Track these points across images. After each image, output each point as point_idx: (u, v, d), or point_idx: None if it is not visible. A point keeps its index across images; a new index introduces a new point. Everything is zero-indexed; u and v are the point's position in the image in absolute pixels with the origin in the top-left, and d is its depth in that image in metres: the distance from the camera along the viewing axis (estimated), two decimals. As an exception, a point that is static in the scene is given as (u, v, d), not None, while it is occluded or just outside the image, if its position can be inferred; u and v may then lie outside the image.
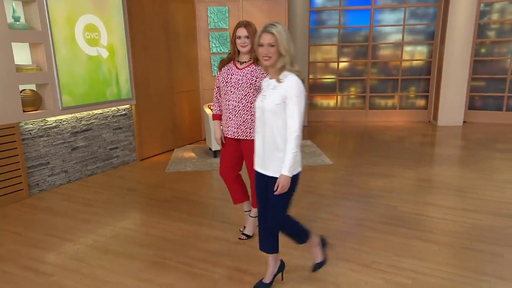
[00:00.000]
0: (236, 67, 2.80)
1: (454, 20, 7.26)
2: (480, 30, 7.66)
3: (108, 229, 3.30)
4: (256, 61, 2.76)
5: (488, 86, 7.84)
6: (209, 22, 6.33)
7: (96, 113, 4.82)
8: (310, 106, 8.44)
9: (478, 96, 7.94)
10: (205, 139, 6.66)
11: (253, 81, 2.75)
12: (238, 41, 2.73)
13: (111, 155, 5.06)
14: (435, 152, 5.77)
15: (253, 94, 2.77)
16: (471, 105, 7.96)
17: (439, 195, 3.88)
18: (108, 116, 4.98)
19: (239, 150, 2.94)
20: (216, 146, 5.35)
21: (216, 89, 2.98)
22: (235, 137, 2.85)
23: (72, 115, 4.50)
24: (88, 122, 4.73)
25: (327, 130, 7.60)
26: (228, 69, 2.83)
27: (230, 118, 2.82)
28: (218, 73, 2.91)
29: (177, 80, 6.10)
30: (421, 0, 7.90)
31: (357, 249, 2.80)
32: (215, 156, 5.47)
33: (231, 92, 2.78)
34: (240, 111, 2.79)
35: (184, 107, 6.29)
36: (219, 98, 2.98)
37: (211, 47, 6.41)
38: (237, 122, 2.81)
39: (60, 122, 4.38)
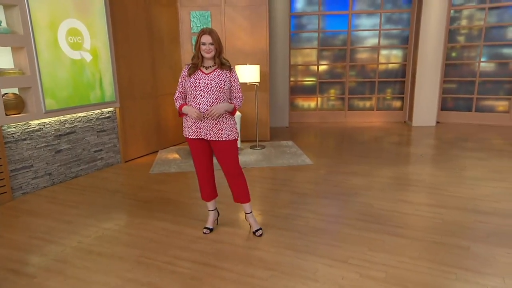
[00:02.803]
0: (203, 72, 2.85)
1: (427, 25, 7.43)
2: (451, 35, 7.85)
3: (92, 231, 3.27)
4: (220, 66, 2.83)
5: (458, 88, 8.04)
6: (192, 26, 6.32)
7: (80, 116, 4.76)
8: (291, 108, 8.50)
9: (449, 98, 8.13)
10: (189, 140, 6.65)
11: (221, 85, 2.83)
12: (202, 47, 2.79)
13: (95, 157, 5.01)
14: (409, 152, 5.89)
15: (223, 97, 2.85)
16: (443, 106, 8.15)
17: (412, 192, 3.97)
18: (92, 119, 4.92)
19: (210, 152, 3.04)
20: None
21: (178, 91, 2.96)
22: (208, 139, 2.91)
23: (56, 118, 4.43)
24: (72, 125, 4.66)
25: (308, 131, 7.66)
26: (194, 75, 2.86)
27: (201, 120, 2.85)
28: (183, 77, 2.91)
29: (161, 82, 6.07)
30: (395, 6, 8.05)
31: (334, 245, 2.84)
32: (198, 157, 5.46)
33: (201, 96, 2.82)
34: None
35: (168, 109, 6.26)
36: (179, 98, 2.95)
37: (193, 50, 6.38)
38: (209, 124, 2.86)
39: (44, 125, 4.31)
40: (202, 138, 2.93)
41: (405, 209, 3.51)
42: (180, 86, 2.98)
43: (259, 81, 5.89)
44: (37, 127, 4.24)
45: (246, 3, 6.28)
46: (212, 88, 2.82)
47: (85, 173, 4.88)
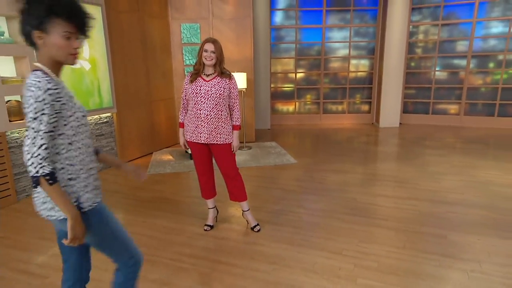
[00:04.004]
0: (203, 79, 2.76)
1: (390, 39, 7.55)
2: (410, 47, 8.01)
3: (98, 230, 3.10)
4: (221, 74, 2.74)
5: (417, 94, 8.22)
6: (182, 37, 6.15)
7: (80, 121, 4.53)
8: (272, 111, 8.45)
9: (410, 102, 8.30)
10: (180, 142, 6.49)
11: (221, 92, 2.75)
12: (204, 54, 2.70)
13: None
14: (378, 150, 5.95)
15: (223, 103, 2.77)
16: (405, 110, 8.31)
17: (388, 187, 4.00)
18: (91, 124, 4.70)
19: (210, 154, 2.94)
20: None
21: (184, 100, 2.90)
22: (207, 142, 2.81)
23: (57, 123, 4.20)
24: (72, 130, 4.43)
25: (288, 132, 7.64)
26: (196, 81, 2.78)
27: (202, 125, 2.77)
28: (186, 85, 2.84)
29: (154, 89, 5.88)
30: (362, 21, 8.14)
31: (327, 238, 2.80)
32: (191, 158, 5.33)
33: (202, 102, 2.73)
34: (212, 119, 2.75)
35: (161, 114, 6.08)
36: (186, 107, 2.93)
37: (184, 59, 6.24)
38: (209, 129, 2.77)
39: (45, 131, 4.07)
40: (202, 143, 2.83)
41: (386, 203, 3.52)
42: (183, 93, 2.89)
43: (246, 87, 5.80)
44: (39, 133, 4.00)
45: (232, 16, 6.18)
46: (212, 94, 2.73)
47: (85, 175, 4.65)
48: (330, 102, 8.60)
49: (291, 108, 8.65)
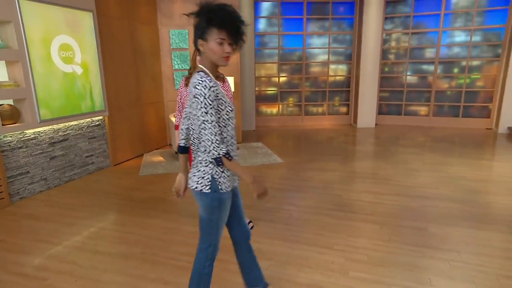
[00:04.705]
0: None
1: (365, 45, 7.67)
2: (384, 53, 8.17)
3: (94, 231, 2.98)
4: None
5: (391, 96, 8.39)
6: (171, 42, 6.04)
7: (72, 125, 4.36)
8: (257, 113, 8.43)
9: (384, 104, 8.47)
10: (170, 144, 6.36)
11: None
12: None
13: (87, 162, 4.62)
14: (358, 149, 6.03)
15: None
16: (380, 111, 8.47)
17: (370, 184, 4.04)
18: (83, 127, 4.54)
19: None
20: (183, 150, 5.13)
21: (179, 102, 2.85)
22: None
23: (50, 127, 4.03)
24: (65, 133, 4.26)
25: (272, 133, 7.63)
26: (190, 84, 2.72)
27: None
28: (181, 88, 2.79)
29: (144, 93, 5.74)
30: (340, 29, 8.24)
31: (318, 234, 2.80)
32: (182, 159, 5.23)
33: None
34: None
35: (151, 117, 5.94)
36: (181, 110, 2.88)
37: (173, 64, 6.13)
38: None
39: (38, 134, 3.89)
40: None
41: (369, 199, 3.55)
42: (178, 96, 2.84)
43: (233, 90, 5.75)
44: (32, 136, 3.82)
45: (219, 24, 6.11)
46: None
47: (78, 177, 4.49)
48: (311, 105, 8.65)
49: (274, 110, 8.66)
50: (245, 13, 7.35)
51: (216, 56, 1.43)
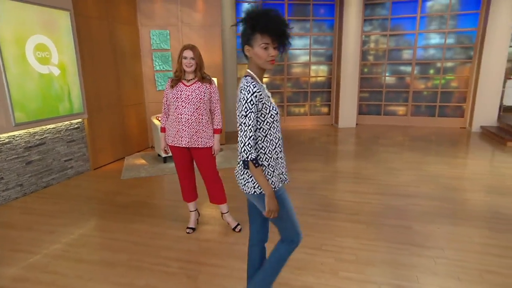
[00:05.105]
0: (184, 84, 2.67)
1: (346, 46, 7.80)
2: (363, 55, 8.34)
3: (76, 238, 2.87)
4: (201, 79, 2.67)
5: (370, 97, 8.58)
6: (152, 43, 5.92)
7: (50, 128, 4.19)
8: (239, 115, 8.39)
9: (364, 104, 8.64)
10: (152, 146, 6.24)
11: (201, 96, 2.67)
12: (184, 61, 2.61)
13: (65, 167, 4.45)
14: (340, 149, 6.11)
15: (203, 108, 2.69)
16: (360, 111, 8.63)
17: (353, 183, 4.10)
18: (61, 130, 4.37)
19: (191, 158, 2.85)
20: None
21: (165, 104, 2.79)
22: (188, 146, 2.72)
23: (26, 130, 3.85)
24: (42, 137, 4.09)
25: (254, 134, 7.59)
26: (177, 86, 2.68)
27: (183, 129, 2.67)
28: (167, 90, 2.73)
29: (125, 94, 5.60)
30: (321, 30, 8.34)
31: (306, 235, 2.79)
32: (164, 162, 5.14)
33: (183, 106, 2.64)
34: (193, 123, 2.67)
35: (132, 119, 5.80)
36: (167, 112, 2.81)
37: (154, 65, 6.00)
38: (190, 132, 2.68)
39: (13, 138, 3.71)
40: (184, 147, 2.73)
41: (354, 198, 3.60)
42: (164, 98, 2.78)
43: (216, 92, 5.70)
44: (7, 140, 3.64)
45: (200, 24, 6.05)
46: (193, 99, 2.64)
47: (56, 182, 4.32)
48: (293, 105, 8.71)
49: (257, 111, 8.63)
50: (227, 14, 7.31)
51: (261, 60, 1.50)
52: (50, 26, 4.04)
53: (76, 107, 4.51)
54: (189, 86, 2.66)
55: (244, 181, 1.60)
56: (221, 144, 6.36)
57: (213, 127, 2.79)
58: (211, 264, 2.45)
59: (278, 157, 1.60)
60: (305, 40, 8.33)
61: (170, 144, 2.76)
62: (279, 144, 1.60)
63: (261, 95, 1.48)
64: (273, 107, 1.54)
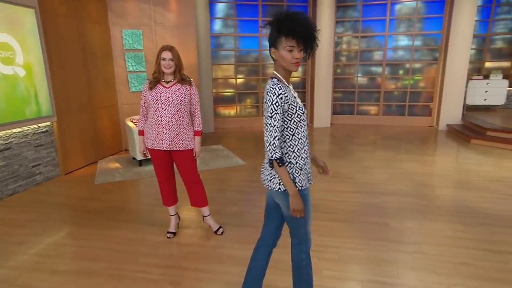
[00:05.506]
0: (163, 86, 2.61)
1: (319, 47, 7.81)
2: (336, 56, 8.53)
3: (49, 249, 2.73)
4: (181, 81, 2.62)
5: (343, 97, 8.78)
6: (124, 43, 5.74)
7: (15, 132, 3.96)
8: (215, 115, 8.33)
9: (338, 104, 8.84)
10: (126, 149, 6.05)
11: (182, 98, 2.62)
12: (163, 62, 2.55)
13: (33, 172, 4.23)
14: (316, 149, 6.18)
15: (184, 110, 2.64)
16: (334, 111, 8.82)
17: (332, 183, 4.15)
18: (28, 134, 4.14)
19: (171, 161, 2.79)
20: (141, 156, 4.90)
21: (143, 107, 2.72)
22: (169, 149, 2.66)
23: (-11, 135, 3.62)
24: (7, 141, 3.86)
25: (231, 135, 7.59)
26: (156, 88, 2.61)
27: (163, 132, 2.61)
28: (145, 92, 2.66)
29: (97, 96, 5.40)
30: (295, 31, 8.43)
31: (288, 236, 2.78)
32: (140, 165, 5.00)
33: (163, 109, 2.58)
34: (173, 125, 2.61)
35: (104, 121, 5.60)
36: (146, 115, 2.73)
37: (127, 66, 5.83)
38: (171, 135, 2.62)
39: (-25, 144, 3.48)
40: (164, 150, 2.67)
41: (333, 197, 3.66)
42: (142, 100, 2.70)
43: (192, 93, 5.63)
44: (-32, 146, 3.41)
45: (174, 24, 5.95)
46: (173, 101, 2.58)
47: (24, 189, 4.09)
48: (268, 106, 8.73)
49: (232, 112, 8.63)
50: (201, 14, 7.23)
51: (286, 63, 1.52)
52: (14, 24, 3.82)
53: (44, 110, 4.29)
54: (168, 88, 2.60)
55: (271, 176, 1.62)
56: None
57: (193, 129, 2.75)
58: (194, 268, 2.41)
59: (306, 156, 1.62)
60: (279, 41, 8.38)
61: (149, 147, 2.69)
62: (307, 143, 1.63)
63: (286, 96, 1.52)
64: (299, 107, 1.57)
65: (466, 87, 7.62)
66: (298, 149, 1.59)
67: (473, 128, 6.78)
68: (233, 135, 7.55)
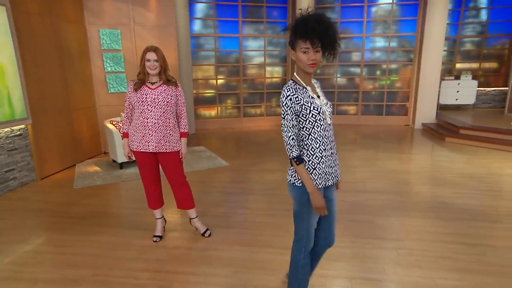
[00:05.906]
0: (148, 87, 2.58)
1: (300, 48, 8.03)
2: (316, 56, 8.64)
3: (28, 257, 2.63)
4: (166, 82, 2.59)
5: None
6: (101, 43, 5.59)
7: (-13, 136, 3.78)
8: (196, 116, 8.26)
9: (317, 104, 8.95)
10: (105, 152, 5.90)
11: (168, 99, 2.59)
12: (147, 63, 2.52)
13: (7, 178, 4.04)
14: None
15: (170, 111, 2.62)
16: (314, 111, 8.93)
17: (315, 182, 4.23)
18: (1, 138, 3.96)
19: (157, 163, 2.75)
20: (123, 159, 4.79)
21: (128, 109, 2.67)
22: (156, 151, 2.63)
23: (-42, 139, 3.43)
24: (-22, 146, 3.68)
25: (212, 136, 7.55)
26: (141, 90, 2.57)
27: (150, 134, 2.58)
28: (129, 93, 2.62)
29: (74, 97, 5.23)
30: (274, 32, 8.50)
31: (275, 235, 2.85)
32: (121, 168, 4.89)
33: (149, 110, 2.55)
34: (160, 127, 2.58)
35: (82, 123, 5.43)
36: (130, 117, 2.69)
37: (105, 66, 5.68)
38: (157, 137, 2.59)
39: None
40: (150, 152, 2.63)
41: (317, 197, 3.71)
42: (127, 102, 2.65)
43: (173, 94, 5.56)
44: None
45: (154, 24, 5.85)
46: (160, 102, 2.55)
47: (-3, 195, 3.91)
48: (249, 106, 8.77)
49: (213, 112, 8.58)
50: (180, 14, 7.15)
51: (302, 64, 1.55)
52: (-15, 22, 3.64)
53: (18, 112, 4.12)
54: (154, 89, 2.57)
55: (291, 171, 1.68)
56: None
57: (180, 130, 2.72)
58: (183, 272, 2.39)
59: (322, 156, 1.60)
60: (259, 41, 8.44)
61: (135, 150, 2.64)
62: (324, 142, 1.60)
63: (297, 98, 1.55)
64: (314, 107, 1.56)
65: (439, 87, 7.93)
66: (313, 148, 1.60)
67: (446, 127, 7.08)
68: (215, 136, 7.51)
